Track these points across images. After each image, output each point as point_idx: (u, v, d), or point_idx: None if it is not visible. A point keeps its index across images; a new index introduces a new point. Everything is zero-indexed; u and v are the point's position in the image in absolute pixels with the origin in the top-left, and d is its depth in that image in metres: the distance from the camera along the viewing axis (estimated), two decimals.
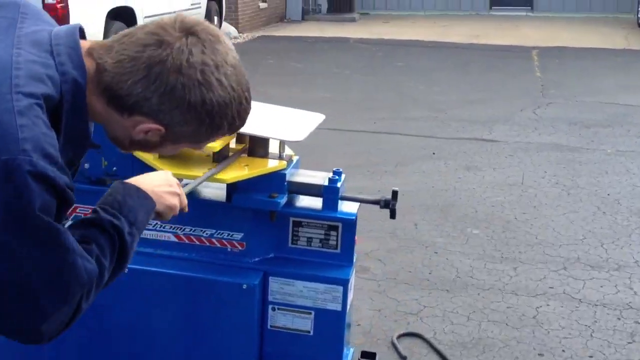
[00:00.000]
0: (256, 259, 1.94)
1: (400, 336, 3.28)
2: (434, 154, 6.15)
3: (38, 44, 1.14)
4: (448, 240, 4.36)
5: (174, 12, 8.62)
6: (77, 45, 1.16)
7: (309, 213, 1.91)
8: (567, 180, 5.51)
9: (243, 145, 1.93)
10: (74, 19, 7.13)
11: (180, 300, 1.90)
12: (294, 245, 1.96)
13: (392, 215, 1.89)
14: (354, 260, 1.99)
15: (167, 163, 1.80)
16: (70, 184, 1.12)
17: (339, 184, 1.88)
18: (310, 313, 1.92)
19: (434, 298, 3.64)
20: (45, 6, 6.93)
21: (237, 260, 1.93)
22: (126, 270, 1.30)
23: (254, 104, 2.05)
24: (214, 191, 1.92)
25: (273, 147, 1.91)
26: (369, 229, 4.47)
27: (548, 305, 3.59)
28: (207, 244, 1.95)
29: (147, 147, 1.25)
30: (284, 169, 1.85)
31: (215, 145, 1.76)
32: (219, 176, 1.75)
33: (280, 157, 1.89)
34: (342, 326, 1.92)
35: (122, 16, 8.03)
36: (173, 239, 1.96)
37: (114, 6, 7.80)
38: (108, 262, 1.22)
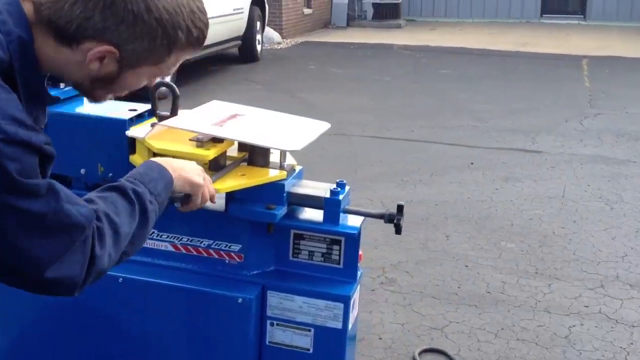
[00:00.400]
0: (255, 272, 1.85)
1: (422, 352, 3.16)
2: (472, 163, 5.99)
3: None
4: (480, 253, 4.21)
5: (216, 17, 8.63)
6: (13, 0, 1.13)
7: (310, 226, 1.81)
8: (610, 194, 5.29)
9: (244, 154, 1.85)
10: None
11: (175, 312, 1.83)
12: (295, 259, 1.87)
13: (397, 230, 1.78)
14: (358, 277, 1.89)
15: None
16: (46, 139, 1.11)
17: (341, 197, 1.78)
18: (309, 330, 1.83)
19: (460, 313, 3.51)
20: None
21: (235, 272, 1.85)
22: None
23: (256, 112, 1.99)
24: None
25: (275, 157, 1.83)
26: (399, 240, 4.36)
27: (582, 324, 3.42)
28: (205, 254, 1.87)
29: (108, 82, 1.21)
30: (283, 180, 1.76)
31: (209, 153, 1.69)
32: (214, 185, 1.67)
33: (280, 167, 1.80)
34: (342, 345, 1.82)
35: None
36: (170, 248, 1.89)
37: None
38: (126, 223, 1.23)
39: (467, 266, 4.03)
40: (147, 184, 1.32)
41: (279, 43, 13.11)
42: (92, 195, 1.25)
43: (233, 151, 1.88)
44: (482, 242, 4.37)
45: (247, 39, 10.59)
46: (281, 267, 1.88)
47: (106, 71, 1.18)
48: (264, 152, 1.80)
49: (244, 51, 10.80)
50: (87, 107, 1.93)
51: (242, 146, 1.85)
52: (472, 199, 5.15)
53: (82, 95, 1.30)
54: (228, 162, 1.82)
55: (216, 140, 1.75)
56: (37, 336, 1.94)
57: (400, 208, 1.77)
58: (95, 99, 1.28)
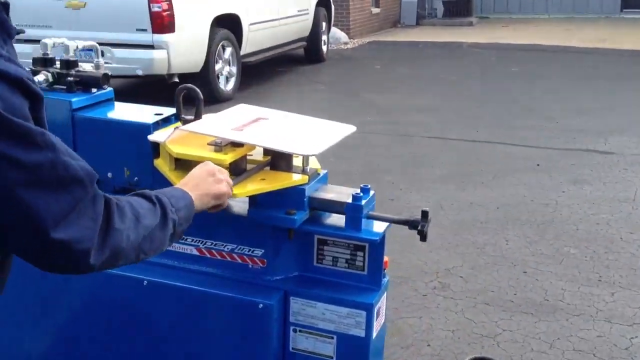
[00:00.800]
0: (278, 277, 1.82)
1: None
2: (538, 165, 5.79)
3: None
4: (541, 259, 4.05)
5: (280, 18, 8.69)
6: None
7: (332, 231, 1.76)
8: None
9: (267, 158, 1.81)
10: (179, 26, 7.31)
11: (197, 316, 1.81)
12: (319, 265, 1.82)
13: (422, 238, 1.71)
14: (384, 284, 1.82)
15: (181, 176, 1.71)
16: (27, 75, 1.07)
17: (363, 202, 1.72)
18: (332, 337, 1.78)
19: (515, 321, 3.38)
20: (153, 14, 7.16)
21: (258, 277, 1.82)
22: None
23: (281, 115, 1.95)
24: (238, 205, 1.81)
25: (299, 161, 1.79)
26: (455, 244, 4.25)
27: None
28: (229, 259, 1.85)
29: None
30: (305, 184, 1.72)
31: (227, 157, 1.66)
32: (234, 190, 1.65)
33: (303, 172, 1.76)
34: (365, 353, 1.76)
35: (227, 23, 8.16)
36: (195, 252, 1.88)
37: (219, 13, 7.93)
38: (148, 217, 1.24)
39: (525, 272, 3.89)
40: (170, 198, 1.34)
41: (345, 43, 13.07)
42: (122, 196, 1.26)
43: (259, 155, 1.85)
44: (544, 248, 4.21)
45: (313, 39, 10.60)
46: (305, 273, 1.84)
47: None
48: (286, 156, 1.76)
49: (309, 52, 10.82)
50: (115, 112, 1.94)
51: (267, 150, 1.82)
52: (535, 202, 4.97)
53: None
54: (250, 166, 1.79)
55: (236, 144, 1.72)
56: (63, 336, 1.96)
57: (424, 214, 1.69)
58: None
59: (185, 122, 1.85)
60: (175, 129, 1.75)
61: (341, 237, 1.75)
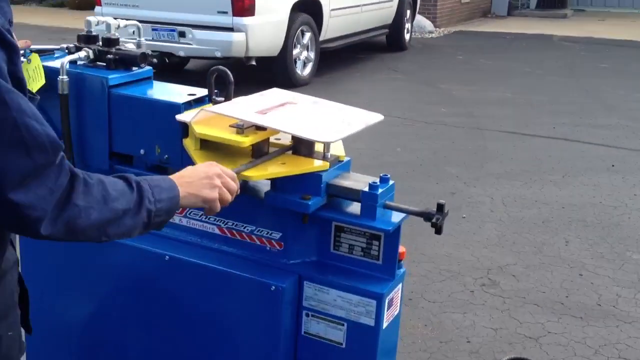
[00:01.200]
0: (295, 261, 1.85)
1: None
2: (613, 166, 5.58)
3: None
4: (600, 262, 3.92)
5: (363, 5, 8.65)
6: None
7: (348, 219, 1.77)
8: None
9: (290, 143, 1.84)
10: (259, 9, 7.41)
11: (214, 293, 1.86)
12: (335, 251, 1.83)
13: (437, 231, 1.69)
14: (399, 275, 1.82)
15: (204, 156, 1.76)
16: (3, 24, 1.08)
17: (379, 191, 1.72)
18: (343, 324, 1.80)
19: (562, 324, 3.29)
20: None
21: (276, 260, 1.85)
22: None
23: (310, 101, 1.97)
24: (261, 187, 1.85)
25: (321, 147, 1.80)
26: (512, 242, 4.17)
27: None
28: (248, 240, 1.89)
29: None
30: (322, 171, 1.73)
31: (245, 140, 1.69)
32: (246, 172, 1.69)
33: (323, 158, 1.77)
34: (375, 342, 1.76)
35: (308, 8, 8.20)
36: (217, 231, 1.92)
37: None
38: (119, 201, 1.22)
39: (581, 275, 3.78)
40: (153, 187, 1.31)
41: (430, 32, 12.89)
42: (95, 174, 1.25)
43: (287, 139, 1.87)
44: (605, 251, 4.07)
45: (395, 27, 10.51)
46: (323, 259, 1.85)
47: None
48: (308, 142, 1.78)
49: (391, 40, 10.74)
50: (149, 91, 2.01)
51: (293, 135, 1.84)
52: (604, 203, 4.80)
53: None
54: (273, 150, 1.82)
55: (259, 128, 1.75)
56: (88, 305, 2.06)
57: (440, 207, 1.68)
58: None
59: (216, 103, 1.89)
60: (200, 109, 1.80)
61: (355, 224, 1.76)
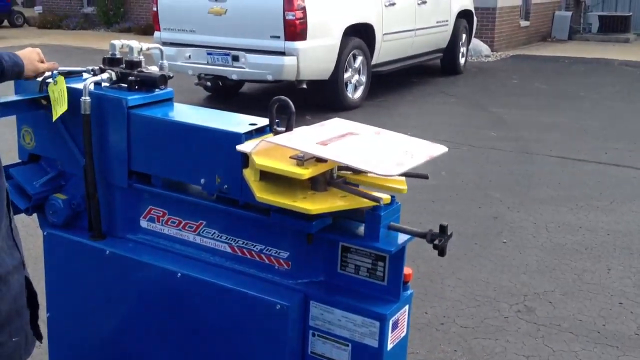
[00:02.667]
0: (302, 281, 1.87)
1: None
2: None
3: None
4: None
5: (417, 29, 8.65)
6: None
7: (352, 240, 1.79)
8: None
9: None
10: (311, 34, 7.51)
11: (222, 310, 1.90)
12: (342, 272, 1.85)
13: (440, 252, 1.69)
14: (405, 296, 1.82)
15: (264, 187, 1.76)
16: None
17: (383, 212, 1.73)
18: (347, 345, 1.80)
19: (596, 353, 3.20)
20: (287, 21, 7.41)
21: (283, 279, 1.88)
22: None
23: (373, 132, 1.91)
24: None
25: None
26: (552, 268, 4.08)
27: None
28: (257, 258, 1.92)
29: None
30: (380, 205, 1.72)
31: (305, 172, 1.67)
32: (303, 205, 1.66)
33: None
34: None
35: (360, 33, 8.27)
36: (228, 250, 1.97)
37: (353, 23, 8.05)
38: None
39: (621, 303, 3.66)
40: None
41: (487, 56, 12.78)
42: None
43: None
44: None
45: (450, 51, 10.48)
46: (329, 279, 1.87)
47: None
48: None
49: (445, 63, 10.70)
50: (171, 112, 2.07)
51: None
52: None
53: None
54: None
55: (320, 159, 1.73)
56: (107, 320, 2.12)
57: (442, 228, 1.68)
58: None
59: (277, 133, 1.87)
60: (261, 140, 1.79)
61: (359, 245, 1.78)
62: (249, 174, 1.81)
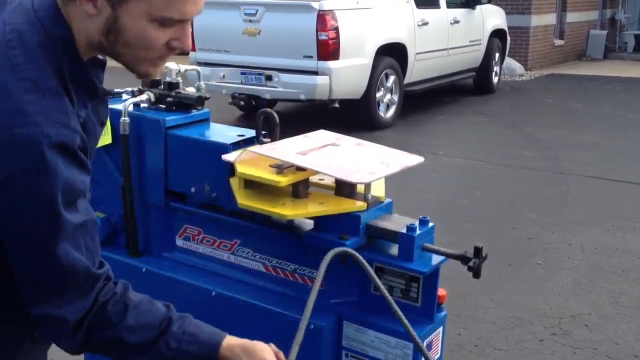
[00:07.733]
0: (335, 301, 1.87)
1: None
2: None
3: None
4: None
5: (450, 49, 8.69)
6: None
7: (386, 260, 1.79)
8: None
9: (334, 184, 1.89)
10: (344, 53, 7.56)
11: (256, 330, 1.90)
12: (376, 293, 1.85)
13: (475, 274, 1.68)
14: (439, 318, 1.81)
15: (247, 195, 1.83)
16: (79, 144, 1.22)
17: (416, 233, 1.73)
18: None
19: None
20: (320, 41, 7.47)
21: (317, 299, 1.88)
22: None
23: (353, 143, 2.01)
24: (305, 226, 1.90)
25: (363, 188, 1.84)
26: (588, 290, 4.03)
27: None
28: (291, 278, 1.93)
29: (115, 31, 1.21)
30: (361, 211, 1.77)
31: (283, 180, 1.74)
32: (280, 210, 1.74)
33: (364, 199, 1.81)
34: None
35: (393, 52, 8.29)
36: (262, 269, 1.98)
37: (385, 42, 8.08)
38: (132, 335, 1.36)
39: None
40: (184, 334, 1.42)
41: (521, 75, 12.71)
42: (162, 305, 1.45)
43: (331, 180, 1.92)
44: None
45: (483, 70, 10.45)
46: (363, 299, 1.87)
47: (104, 15, 1.20)
48: (350, 183, 1.82)
49: (478, 83, 10.67)
50: (206, 131, 2.11)
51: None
52: None
53: (131, 71, 1.32)
54: (314, 190, 1.87)
55: (300, 168, 1.81)
56: None
57: (477, 250, 1.67)
58: (137, 68, 1.30)
59: (262, 144, 1.97)
60: (243, 150, 1.88)
61: (393, 266, 1.78)
62: (234, 183, 1.90)
